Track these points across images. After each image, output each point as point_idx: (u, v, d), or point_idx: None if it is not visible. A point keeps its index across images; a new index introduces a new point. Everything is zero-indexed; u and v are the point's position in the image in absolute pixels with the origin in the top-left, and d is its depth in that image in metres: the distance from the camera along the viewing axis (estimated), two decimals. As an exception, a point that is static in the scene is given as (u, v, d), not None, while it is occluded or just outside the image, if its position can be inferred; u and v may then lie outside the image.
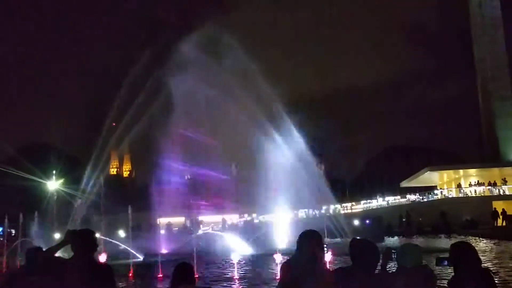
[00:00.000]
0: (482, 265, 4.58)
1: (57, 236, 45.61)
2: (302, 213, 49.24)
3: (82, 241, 4.34)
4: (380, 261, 4.67)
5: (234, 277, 16.36)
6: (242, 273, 17.75)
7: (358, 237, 5.24)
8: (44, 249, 4.73)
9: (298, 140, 34.26)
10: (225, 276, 17.21)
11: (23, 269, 5.63)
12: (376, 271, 4.59)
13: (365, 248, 4.56)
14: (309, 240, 4.44)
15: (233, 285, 14.96)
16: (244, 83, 35.52)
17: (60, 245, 4.47)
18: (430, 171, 53.63)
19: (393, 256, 4.88)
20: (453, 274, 4.45)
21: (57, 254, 4.85)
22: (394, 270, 4.89)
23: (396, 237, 37.75)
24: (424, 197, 53.93)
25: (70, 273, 4.13)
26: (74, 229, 4.82)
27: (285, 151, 34.54)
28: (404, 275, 4.58)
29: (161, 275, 17.21)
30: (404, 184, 64.63)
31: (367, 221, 40.54)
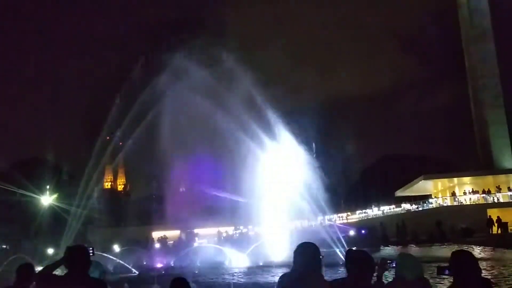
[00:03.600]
0: (482, 274, 4.56)
1: (50, 251, 45.28)
2: (297, 224, 49.08)
3: (76, 258, 4.31)
4: (376, 272, 4.66)
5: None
6: (240, 284, 17.65)
7: (353, 248, 5.23)
8: (43, 267, 4.69)
9: (294, 150, 34.26)
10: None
11: (15, 286, 5.57)
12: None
13: (360, 259, 4.54)
14: (305, 253, 4.42)
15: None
16: (238, 93, 35.60)
17: (57, 263, 4.44)
18: (424, 179, 53.78)
19: (388, 266, 4.87)
20: (451, 284, 4.43)
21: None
22: (390, 281, 4.87)
23: (391, 247, 37.74)
24: (419, 206, 54.02)
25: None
26: (71, 246, 4.78)
27: (280, 161, 34.52)
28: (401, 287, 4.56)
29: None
30: (399, 193, 64.72)
31: (363, 231, 40.55)
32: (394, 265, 4.83)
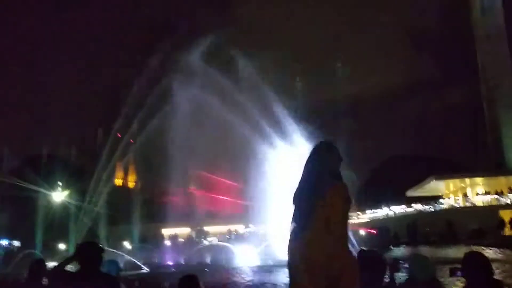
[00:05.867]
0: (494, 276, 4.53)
1: (61, 247, 45.75)
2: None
3: (88, 254, 4.35)
4: (387, 272, 4.64)
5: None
6: (250, 284, 17.63)
7: (365, 248, 5.21)
8: (56, 264, 4.74)
9: (304, 149, 34.21)
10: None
11: (27, 283, 5.64)
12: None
13: (372, 259, 4.53)
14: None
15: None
16: (248, 93, 35.63)
17: (70, 259, 4.48)
18: (435, 180, 53.38)
19: (400, 267, 4.85)
20: (463, 285, 4.41)
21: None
22: (402, 282, 4.85)
23: (402, 247, 37.53)
24: (430, 206, 53.64)
25: (78, 285, 4.15)
26: (82, 243, 4.82)
27: (292, 160, 34.50)
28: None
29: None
30: (410, 193, 64.31)
31: (374, 231, 40.41)
32: (406, 266, 4.81)
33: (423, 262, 4.74)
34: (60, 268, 4.55)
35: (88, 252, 4.40)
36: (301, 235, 3.82)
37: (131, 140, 45.68)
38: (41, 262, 5.84)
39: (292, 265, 3.86)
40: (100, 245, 4.60)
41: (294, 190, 4.13)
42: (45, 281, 5.57)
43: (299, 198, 4.00)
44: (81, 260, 4.35)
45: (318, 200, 3.74)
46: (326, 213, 3.68)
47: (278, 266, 25.37)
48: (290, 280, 3.85)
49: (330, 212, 3.67)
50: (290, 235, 3.99)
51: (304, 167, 4.11)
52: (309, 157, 4.15)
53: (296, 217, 3.98)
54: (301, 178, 4.11)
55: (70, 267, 5.10)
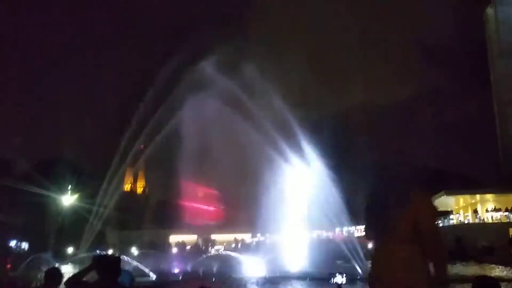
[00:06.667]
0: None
1: (70, 250, 45.98)
2: (315, 234, 48.90)
3: (108, 267, 4.43)
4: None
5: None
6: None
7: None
8: (72, 274, 4.82)
9: (316, 162, 34.20)
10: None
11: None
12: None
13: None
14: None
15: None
16: (258, 100, 35.79)
17: (87, 269, 4.55)
18: (446, 195, 52.96)
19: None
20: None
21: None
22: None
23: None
24: (440, 221, 53.19)
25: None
26: (100, 255, 4.90)
27: (302, 172, 34.52)
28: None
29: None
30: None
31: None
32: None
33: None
34: (77, 277, 4.62)
35: (107, 263, 4.48)
36: (383, 245, 3.74)
37: (142, 146, 45.99)
38: (57, 270, 5.93)
39: (373, 275, 3.78)
40: (118, 256, 4.68)
41: (369, 198, 4.03)
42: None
43: (377, 206, 3.87)
44: (99, 270, 4.43)
45: (399, 208, 3.65)
46: (410, 220, 3.60)
47: (285, 277, 25.35)
48: None
49: (417, 220, 3.60)
50: (373, 245, 3.92)
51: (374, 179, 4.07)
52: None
53: (378, 227, 3.86)
54: (375, 186, 4.05)
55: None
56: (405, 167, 4.00)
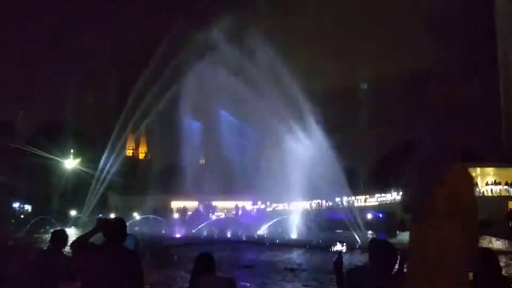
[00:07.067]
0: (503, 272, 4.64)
1: (73, 213, 46.54)
2: (314, 204, 49.30)
3: (114, 231, 4.53)
4: (397, 263, 4.73)
5: (253, 264, 16.39)
6: (260, 260, 17.84)
7: (375, 237, 5.33)
8: (78, 236, 4.92)
9: (317, 132, 34.17)
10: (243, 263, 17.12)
11: (51, 252, 5.82)
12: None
13: (383, 249, 4.62)
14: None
15: (254, 272, 14.88)
16: (265, 73, 35.45)
17: (92, 232, 4.65)
18: (446, 168, 53.13)
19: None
20: (470, 280, 4.50)
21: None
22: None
23: (408, 233, 37.66)
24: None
25: (104, 256, 4.36)
26: (106, 218, 4.99)
27: (304, 142, 34.56)
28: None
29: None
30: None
31: (380, 215, 40.48)
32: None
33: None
34: (83, 239, 4.72)
35: (114, 226, 4.57)
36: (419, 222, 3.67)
37: None
38: (63, 232, 6.05)
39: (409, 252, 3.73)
40: (123, 219, 4.76)
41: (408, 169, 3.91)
42: (66, 251, 5.79)
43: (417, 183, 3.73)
44: (106, 233, 4.52)
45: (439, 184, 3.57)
46: (451, 194, 3.51)
47: (284, 245, 25.74)
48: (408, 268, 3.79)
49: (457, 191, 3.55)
50: (410, 222, 3.85)
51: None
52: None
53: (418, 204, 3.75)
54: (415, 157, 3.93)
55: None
56: (441, 142, 3.95)
